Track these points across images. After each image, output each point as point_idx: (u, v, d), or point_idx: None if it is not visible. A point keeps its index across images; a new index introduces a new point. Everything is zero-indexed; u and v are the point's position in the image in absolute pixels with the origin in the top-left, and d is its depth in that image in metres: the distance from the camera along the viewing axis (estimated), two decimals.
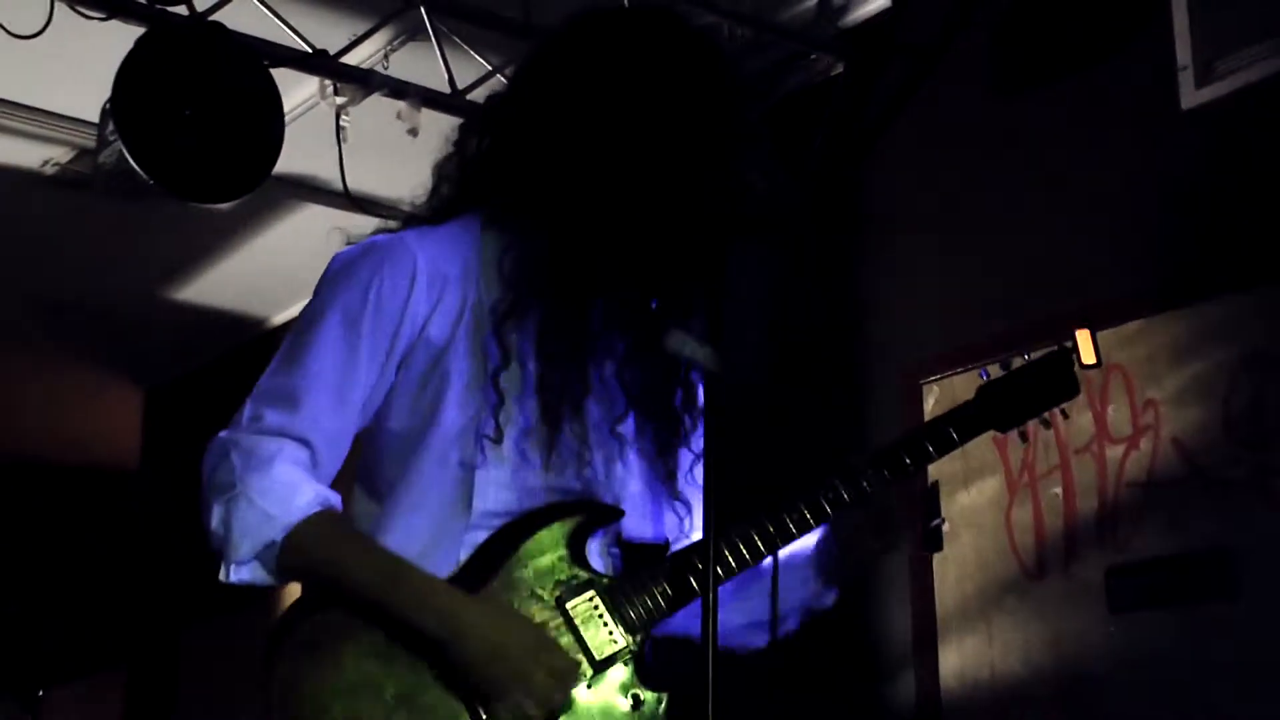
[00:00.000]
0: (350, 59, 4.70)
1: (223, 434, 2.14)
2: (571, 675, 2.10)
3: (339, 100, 4.63)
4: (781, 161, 2.22)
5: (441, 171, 2.35)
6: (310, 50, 4.45)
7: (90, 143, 5.46)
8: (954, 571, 4.42)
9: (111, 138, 4.03)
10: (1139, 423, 4.08)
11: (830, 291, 4.94)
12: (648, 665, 2.17)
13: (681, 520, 2.29)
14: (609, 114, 2.18)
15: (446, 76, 4.69)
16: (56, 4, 4.03)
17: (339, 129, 4.70)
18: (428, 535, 2.14)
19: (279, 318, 7.45)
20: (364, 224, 6.30)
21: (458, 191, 2.30)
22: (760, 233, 2.10)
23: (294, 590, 2.18)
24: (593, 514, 2.19)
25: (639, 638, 2.16)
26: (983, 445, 3.63)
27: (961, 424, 2.34)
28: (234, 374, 7.70)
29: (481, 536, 2.14)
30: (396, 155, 5.07)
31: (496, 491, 2.14)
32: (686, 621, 2.15)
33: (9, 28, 4.08)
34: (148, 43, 4.04)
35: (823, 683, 4.54)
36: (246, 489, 2.07)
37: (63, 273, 6.87)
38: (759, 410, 2.46)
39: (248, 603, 7.18)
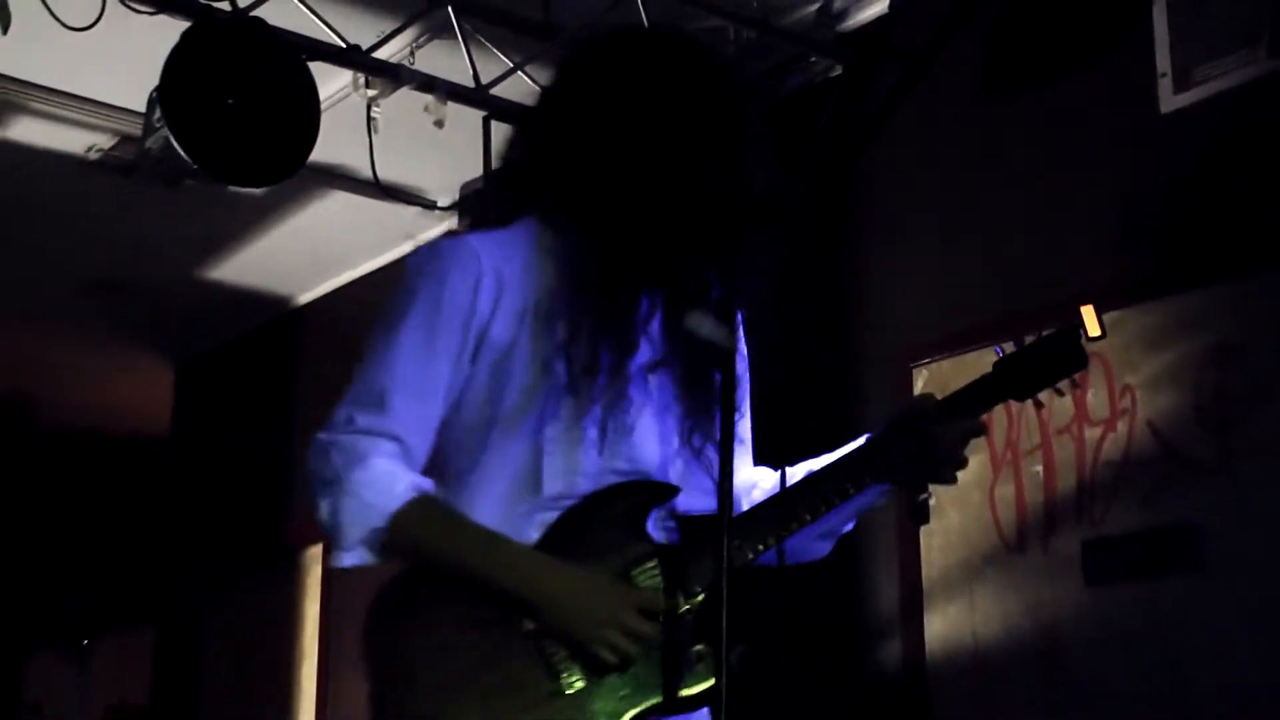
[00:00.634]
0: (380, 54, 4.70)
1: (322, 435, 2.22)
2: (643, 633, 2.18)
3: (370, 93, 4.65)
4: (783, 157, 2.33)
5: (496, 181, 2.44)
6: (344, 45, 4.47)
7: (132, 130, 5.51)
8: (939, 544, 4.44)
9: (158, 125, 4.06)
10: (1116, 407, 4.09)
11: (827, 280, 4.96)
12: (706, 624, 2.22)
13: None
14: (632, 127, 2.26)
15: (471, 72, 4.71)
16: None
17: (369, 120, 4.73)
18: (500, 516, 2.22)
19: (304, 297, 7.47)
20: (388, 211, 6.40)
21: (512, 199, 2.38)
22: (764, 223, 2.18)
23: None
24: (649, 492, 2.27)
25: (698, 599, 2.23)
26: None
27: (982, 394, 2.42)
28: (260, 350, 7.76)
29: (551, 516, 2.22)
30: (423, 145, 5.13)
31: (562, 475, 2.23)
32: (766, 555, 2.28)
33: (63, 20, 4.10)
34: (193, 36, 4.06)
35: (815, 647, 4.59)
36: (349, 483, 2.16)
37: (102, 253, 6.89)
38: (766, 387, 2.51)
39: (269, 564, 7.26)
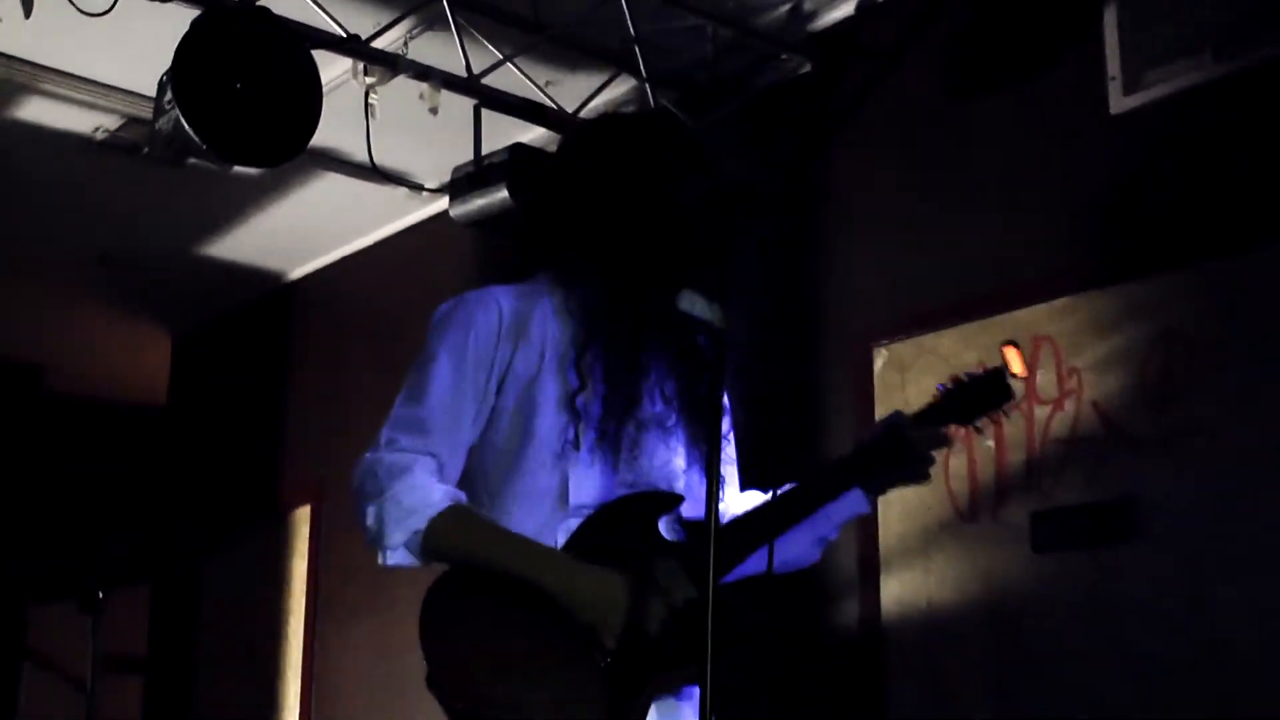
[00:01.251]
0: (377, 44, 4.69)
1: (368, 455, 2.43)
2: (653, 616, 2.36)
3: (369, 80, 4.64)
4: (756, 149, 2.55)
5: (514, 243, 2.81)
6: (345, 35, 4.46)
7: (137, 112, 5.49)
8: (896, 512, 4.47)
9: (168, 107, 4.05)
10: (1064, 387, 4.12)
11: (795, 265, 4.99)
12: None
13: (723, 495, 2.59)
14: (617, 200, 2.53)
15: (464, 62, 4.71)
16: None
17: (367, 106, 4.72)
18: (531, 525, 2.43)
19: (295, 273, 7.46)
20: (377, 192, 6.38)
21: (527, 259, 2.63)
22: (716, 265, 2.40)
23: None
24: (657, 501, 2.48)
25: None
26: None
27: (931, 418, 2.68)
28: (253, 323, 7.74)
29: (575, 524, 2.43)
30: (417, 131, 5.13)
31: (584, 488, 2.44)
32: (753, 566, 2.54)
33: (80, 6, 4.08)
34: (203, 24, 4.04)
35: (777, 609, 4.61)
36: (393, 493, 2.37)
37: (105, 228, 6.85)
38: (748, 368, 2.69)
39: (261, 524, 7.26)
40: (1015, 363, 2.70)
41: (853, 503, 2.67)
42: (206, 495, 7.82)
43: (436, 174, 5.80)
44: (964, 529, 4.30)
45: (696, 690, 2.38)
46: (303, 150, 4.25)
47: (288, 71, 4.15)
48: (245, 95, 4.03)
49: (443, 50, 4.82)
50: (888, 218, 4.77)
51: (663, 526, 2.47)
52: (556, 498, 2.43)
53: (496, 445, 2.48)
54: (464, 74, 4.71)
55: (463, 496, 2.41)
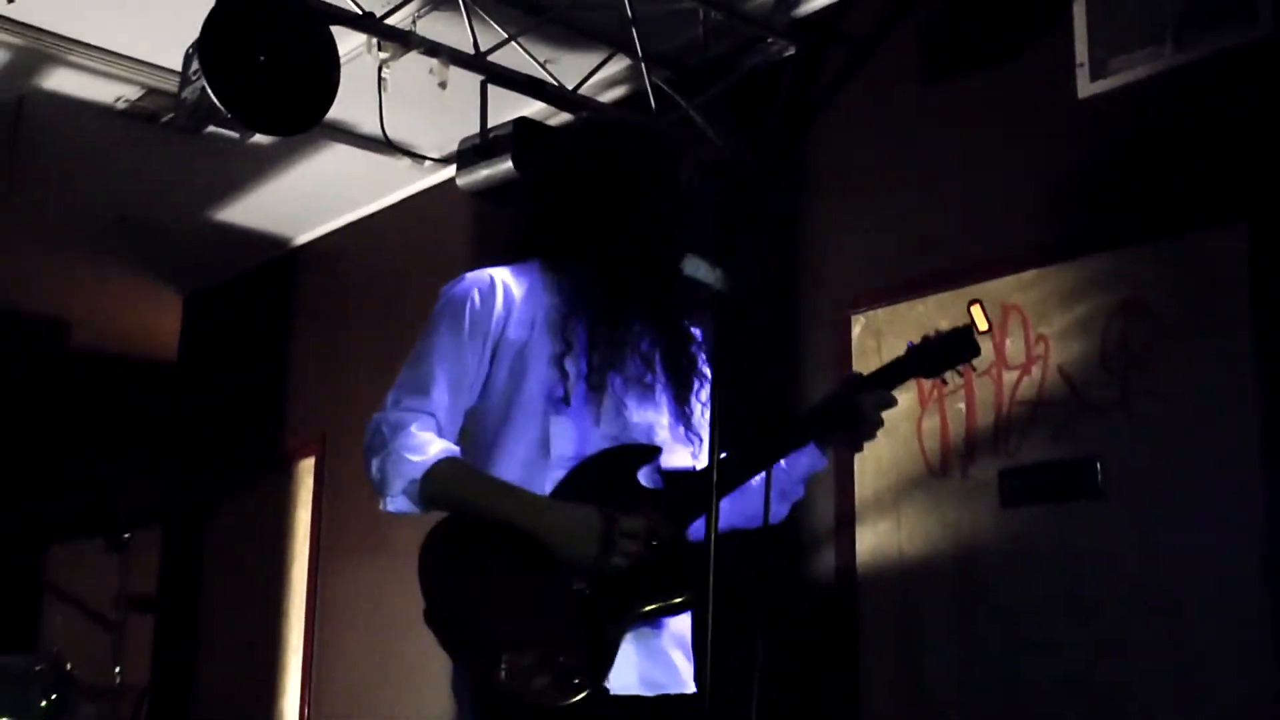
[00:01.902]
0: (389, 21, 4.66)
1: (376, 415, 2.52)
2: (631, 552, 2.44)
3: (382, 55, 4.62)
4: (742, 128, 2.54)
5: (514, 219, 2.86)
6: (360, 12, 4.43)
7: (157, 83, 5.45)
8: (871, 468, 4.49)
9: (194, 77, 4.02)
10: (1031, 353, 4.14)
11: (777, 237, 5.00)
12: (689, 544, 2.54)
13: (695, 451, 2.67)
14: (603, 194, 2.64)
15: (471, 40, 4.69)
16: None
17: (380, 80, 4.70)
18: (520, 474, 2.51)
19: (301, 239, 7.44)
20: (381, 162, 6.34)
21: (522, 245, 2.71)
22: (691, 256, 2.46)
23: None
24: (637, 453, 2.55)
25: (682, 530, 2.53)
26: None
27: (899, 372, 2.73)
28: (260, 285, 7.72)
29: (560, 474, 2.51)
30: (427, 104, 5.11)
31: (567, 440, 2.52)
32: (729, 519, 2.63)
33: None
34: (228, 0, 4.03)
35: (755, 558, 4.63)
36: (395, 446, 2.46)
37: (123, 193, 6.82)
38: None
39: (266, 474, 7.24)
40: (981, 320, 2.72)
41: (810, 458, 2.70)
42: (214, 446, 7.81)
43: (443, 146, 5.78)
44: (935, 485, 4.32)
45: (671, 621, 2.53)
46: (321, 120, 4.23)
47: (308, 45, 4.13)
48: (268, 67, 4.01)
49: (446, 29, 4.80)
50: (866, 193, 4.78)
51: (642, 476, 2.54)
52: (541, 450, 2.51)
53: (490, 404, 2.57)
54: (471, 51, 4.68)
55: (457, 450, 2.50)
